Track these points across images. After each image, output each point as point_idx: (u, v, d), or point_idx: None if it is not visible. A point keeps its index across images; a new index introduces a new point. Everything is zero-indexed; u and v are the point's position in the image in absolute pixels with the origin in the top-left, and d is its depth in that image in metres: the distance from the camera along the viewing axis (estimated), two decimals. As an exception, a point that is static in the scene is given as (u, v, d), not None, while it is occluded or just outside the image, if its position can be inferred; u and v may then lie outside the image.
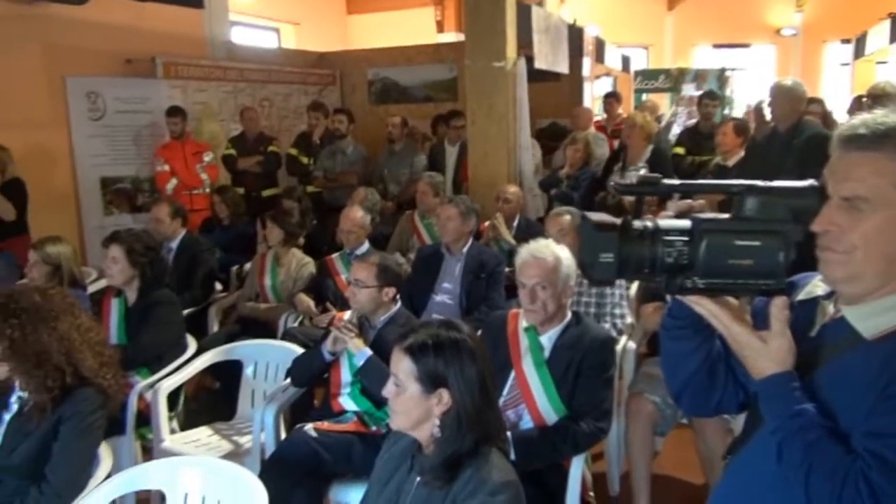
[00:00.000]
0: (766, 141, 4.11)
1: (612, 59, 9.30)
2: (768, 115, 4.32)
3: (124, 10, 5.65)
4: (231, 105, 6.53)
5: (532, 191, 5.27)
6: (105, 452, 2.10)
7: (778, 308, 1.17)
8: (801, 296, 1.29)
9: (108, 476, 2.03)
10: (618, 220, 1.18)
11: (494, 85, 5.11)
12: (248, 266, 4.67)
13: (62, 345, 1.98)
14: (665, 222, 1.18)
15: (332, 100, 7.69)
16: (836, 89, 13.38)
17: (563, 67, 6.38)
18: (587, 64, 7.37)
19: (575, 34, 7.05)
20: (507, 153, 5.14)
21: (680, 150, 5.78)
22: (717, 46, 14.85)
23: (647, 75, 12.28)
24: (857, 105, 5.08)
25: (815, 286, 1.28)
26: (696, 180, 1.23)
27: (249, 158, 5.93)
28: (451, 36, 10.45)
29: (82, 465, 1.99)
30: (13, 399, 2.05)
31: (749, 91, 14.90)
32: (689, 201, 1.33)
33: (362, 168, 5.81)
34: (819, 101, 5.84)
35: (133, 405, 2.82)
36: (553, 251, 2.43)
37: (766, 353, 1.18)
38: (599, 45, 8.29)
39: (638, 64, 13.73)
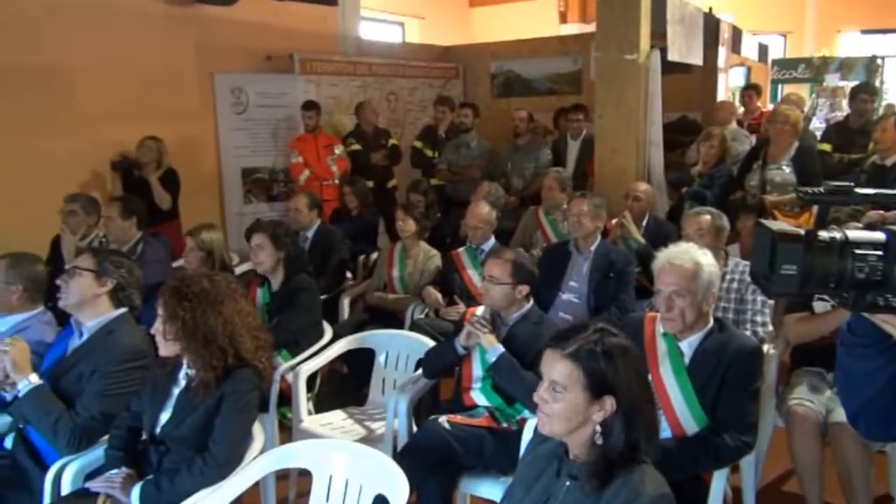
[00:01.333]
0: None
1: (749, 48, 8.82)
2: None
3: (265, 10, 5.98)
4: (360, 98, 6.76)
5: (661, 188, 5.11)
6: (258, 430, 2.25)
7: None
8: None
9: (262, 452, 2.18)
10: (802, 230, 1.13)
11: (625, 78, 5.00)
12: (374, 256, 4.85)
13: (226, 328, 2.14)
14: (856, 234, 1.11)
15: (456, 93, 7.78)
16: None
17: (697, 59, 6.12)
18: (722, 54, 7.01)
19: (711, 23, 6.74)
20: (637, 149, 5.02)
21: (826, 147, 5.40)
22: (865, 32, 13.71)
23: (785, 65, 11.59)
24: None
25: None
26: (886, 190, 1.15)
27: (378, 153, 6.11)
28: (574, 27, 10.31)
29: (240, 439, 2.15)
30: (181, 375, 2.24)
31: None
32: (881, 212, 1.24)
33: (486, 162, 5.86)
34: None
35: (276, 386, 3.00)
36: (693, 257, 2.34)
37: None
38: (736, 34, 7.88)
39: (775, 52, 12.94)
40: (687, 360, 2.36)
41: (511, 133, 6.04)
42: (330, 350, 3.21)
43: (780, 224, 1.18)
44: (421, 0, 10.56)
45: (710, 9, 9.61)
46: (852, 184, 1.13)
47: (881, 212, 1.28)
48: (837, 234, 1.11)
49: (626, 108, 5.02)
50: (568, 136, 5.98)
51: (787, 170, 4.45)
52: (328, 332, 3.38)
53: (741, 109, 7.12)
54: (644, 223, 4.33)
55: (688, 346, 2.37)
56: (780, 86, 12.39)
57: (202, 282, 2.18)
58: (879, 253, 1.08)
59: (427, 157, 6.09)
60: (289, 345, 3.24)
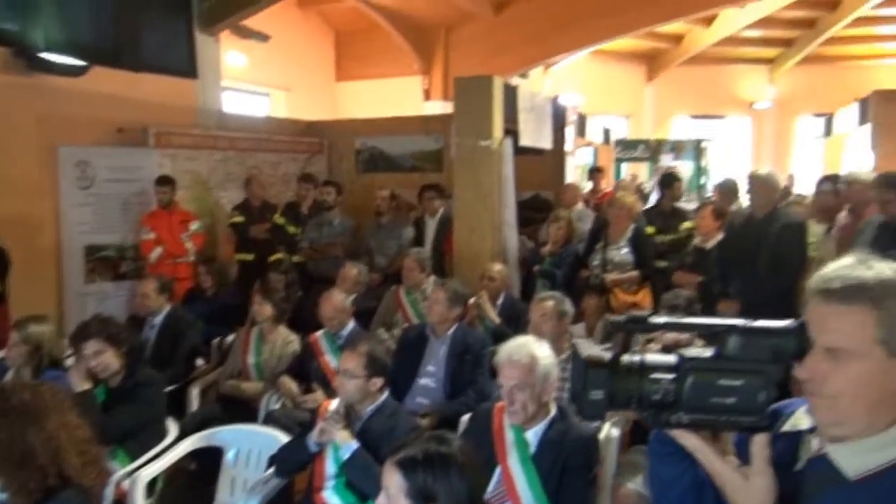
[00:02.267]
0: (742, 226, 4.25)
1: (594, 131, 9.58)
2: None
3: (117, 81, 5.75)
4: (220, 173, 6.60)
5: (516, 267, 5.35)
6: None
7: (759, 446, 1.21)
8: (786, 427, 1.33)
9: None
10: (607, 356, 1.22)
11: (481, 162, 5.25)
12: (230, 338, 4.65)
13: (48, 445, 1.96)
14: (652, 358, 1.23)
15: (320, 168, 7.80)
16: (808, 162, 13.84)
17: (546, 143, 6.55)
18: (569, 138, 7.56)
19: (558, 109, 7.26)
20: (492, 230, 5.24)
21: (651, 230, 5.93)
22: (694, 117, 15.36)
23: (627, 145, 12.61)
24: (825, 184, 5.27)
25: (800, 419, 1.31)
26: (682, 319, 1.28)
27: (261, 226, 5.99)
28: (438, 105, 10.72)
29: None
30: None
31: (725, 161, 15.41)
32: (675, 335, 1.38)
33: (349, 240, 5.87)
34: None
35: (110, 496, 2.76)
36: (529, 351, 2.44)
37: (747, 491, 1.21)
38: (581, 120, 8.54)
39: (619, 132, 14.13)
40: (532, 449, 2.44)
41: (375, 212, 6.12)
42: (173, 451, 3.01)
43: (589, 348, 1.28)
44: (288, 73, 10.61)
45: (558, 96, 10.40)
46: (648, 314, 1.24)
47: (675, 335, 1.41)
48: (637, 359, 1.22)
49: (483, 190, 5.25)
50: (426, 215, 6.14)
51: (625, 250, 4.82)
52: (173, 430, 3.18)
53: (588, 188, 7.68)
54: (499, 303, 4.49)
55: (533, 435, 2.46)
56: (622, 164, 13.52)
57: (23, 394, 1.99)
58: (671, 376, 1.20)
59: (289, 234, 6.02)
60: (127, 445, 3.01)
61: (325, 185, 6.07)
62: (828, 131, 9.16)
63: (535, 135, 6.23)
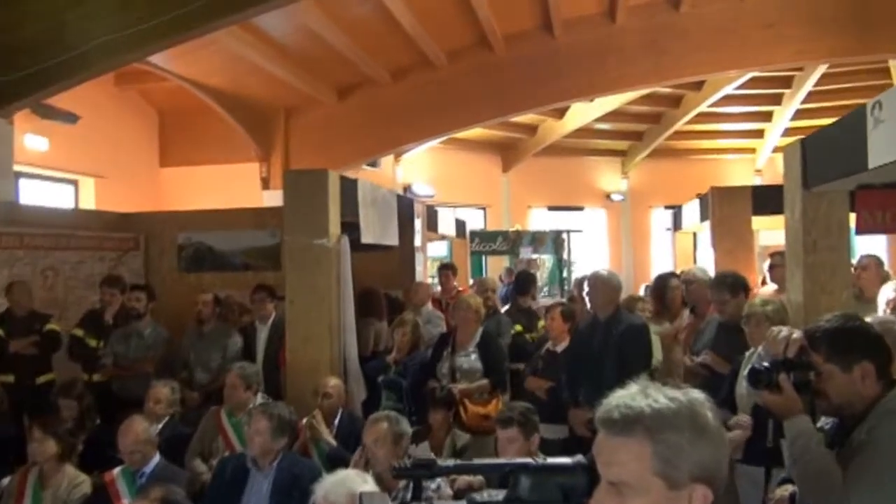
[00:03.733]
0: (588, 329, 4.52)
1: (446, 224, 9.93)
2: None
3: None
4: (4, 277, 6.11)
5: (357, 378, 5.30)
6: None
7: None
8: None
9: None
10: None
11: (316, 263, 5.25)
12: (5, 482, 4.19)
13: None
14: None
15: (135, 266, 7.44)
16: (662, 256, 15.10)
17: (392, 240, 6.69)
18: (418, 233, 7.79)
19: (405, 203, 7.49)
20: (330, 337, 5.19)
21: (519, 328, 6.17)
22: (552, 208, 16.38)
23: (485, 237, 13.14)
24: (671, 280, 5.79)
25: None
26: (471, 461, 1.34)
27: (22, 340, 5.51)
28: (278, 195, 10.68)
29: None
30: None
31: (586, 253, 16.47)
32: (468, 479, 1.43)
33: (162, 353, 5.59)
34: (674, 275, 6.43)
35: None
36: (349, 488, 2.38)
37: None
38: (431, 212, 8.85)
39: (475, 224, 14.75)
40: None
41: (195, 319, 5.90)
42: None
43: (380, 495, 1.30)
44: (100, 156, 10.17)
45: (405, 188, 10.80)
46: (434, 459, 1.29)
47: (468, 479, 1.46)
48: None
49: (318, 294, 5.23)
50: (257, 321, 6.00)
51: (474, 356, 4.94)
52: None
53: (438, 288, 7.87)
54: (336, 421, 4.40)
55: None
56: (483, 257, 14.06)
57: None
58: None
59: (89, 348, 5.62)
60: None
61: (133, 289, 5.80)
62: (677, 225, 10.07)
63: (379, 230, 6.37)
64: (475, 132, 13.90)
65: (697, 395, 1.35)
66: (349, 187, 5.75)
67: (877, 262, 5.80)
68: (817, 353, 2.20)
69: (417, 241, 7.83)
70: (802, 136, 4.83)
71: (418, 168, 14.12)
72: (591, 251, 16.58)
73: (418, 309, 6.44)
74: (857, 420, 2.15)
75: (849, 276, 5.02)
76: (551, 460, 1.30)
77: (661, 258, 15.19)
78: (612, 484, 1.27)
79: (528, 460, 1.29)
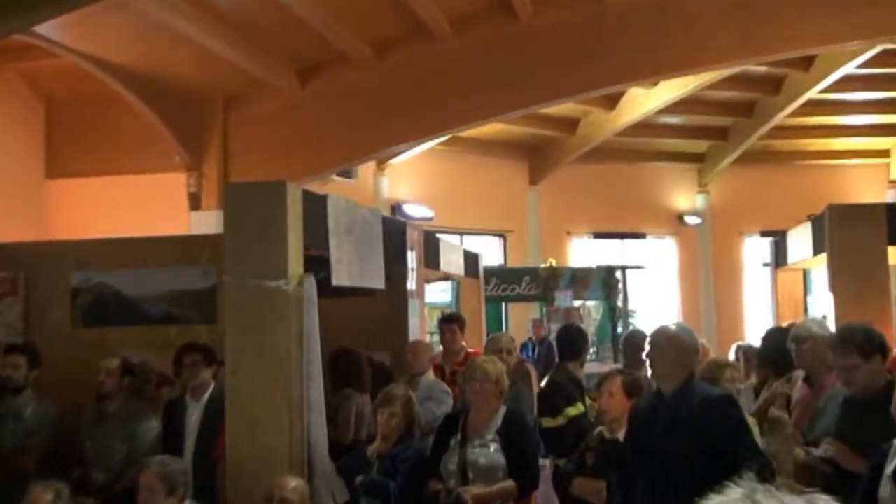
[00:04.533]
0: (648, 409, 4.49)
1: (451, 258, 9.93)
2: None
3: None
4: None
5: (328, 478, 5.27)
6: None
7: None
8: None
9: None
10: None
11: (269, 314, 5.24)
12: None
13: None
14: None
15: (11, 318, 7.46)
16: (759, 300, 15.07)
17: (376, 281, 6.70)
18: (412, 272, 7.80)
19: (395, 230, 7.51)
20: (290, 419, 5.17)
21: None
22: (600, 236, 16.45)
23: (505, 277, 13.20)
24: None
25: None
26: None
27: None
28: (214, 218, 10.70)
29: None
30: None
31: (647, 298, 16.49)
32: None
33: (48, 441, 5.59)
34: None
35: None
36: None
37: None
38: (431, 243, 8.85)
39: (492, 258, 14.79)
40: None
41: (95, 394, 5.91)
42: None
43: None
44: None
45: (393, 208, 10.79)
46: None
47: None
48: None
49: (272, 357, 5.20)
50: (187, 395, 5.99)
51: (494, 447, 4.91)
52: None
53: (439, 349, 7.86)
54: (298, 540, 4.37)
55: None
56: (502, 305, 14.08)
57: None
58: None
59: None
60: None
61: (8, 352, 5.81)
62: (779, 259, 10.06)
63: (358, 267, 6.38)
64: (491, 129, 14.03)
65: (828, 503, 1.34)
66: (316, 207, 5.77)
67: None
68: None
69: (412, 283, 7.83)
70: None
71: (411, 179, 14.23)
72: (656, 296, 16.62)
73: (414, 379, 6.41)
74: None
75: None
76: None
77: (758, 306, 15.20)
78: None
79: None
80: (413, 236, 7.99)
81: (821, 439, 4.60)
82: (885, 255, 7.28)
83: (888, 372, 4.54)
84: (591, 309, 13.52)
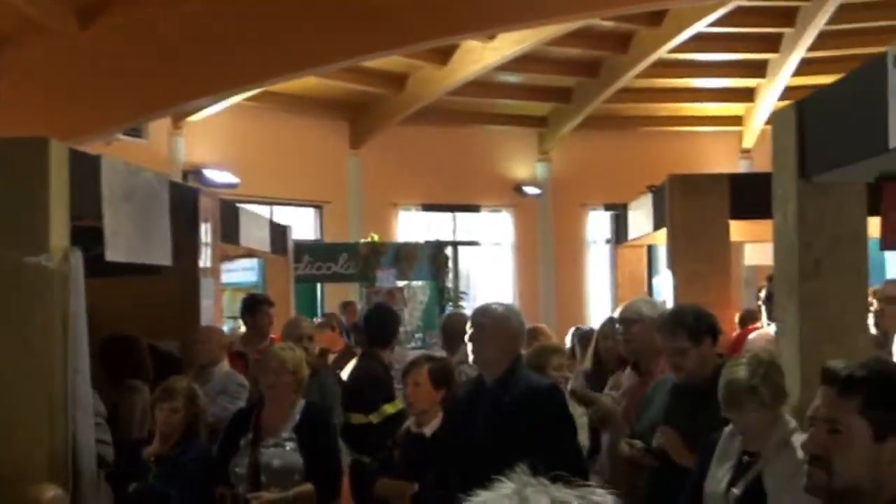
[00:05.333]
0: (468, 399, 4.56)
1: (255, 231, 9.80)
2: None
3: None
4: None
5: (95, 484, 5.15)
6: None
7: None
8: None
9: None
10: None
11: (28, 294, 5.07)
12: None
13: None
14: None
15: None
16: (603, 280, 15.50)
17: (160, 257, 6.56)
18: (207, 246, 7.66)
19: (186, 198, 7.35)
20: (51, 417, 5.02)
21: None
22: (429, 208, 16.51)
23: (320, 254, 13.09)
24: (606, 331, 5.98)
25: None
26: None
27: None
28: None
29: None
30: None
31: (482, 278, 16.71)
32: None
33: None
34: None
35: None
36: None
37: None
38: (229, 214, 8.70)
39: (305, 232, 14.67)
40: None
41: None
42: None
43: None
44: None
45: (187, 174, 10.56)
46: None
47: None
48: None
49: (31, 347, 5.04)
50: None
51: (290, 446, 4.92)
52: None
53: (241, 330, 7.78)
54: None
55: None
56: (318, 286, 13.99)
57: None
58: None
59: None
60: None
61: None
62: (620, 235, 10.40)
63: (139, 241, 6.24)
64: (307, 84, 13.88)
65: (601, 499, 1.38)
66: (86, 169, 5.59)
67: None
68: (847, 399, 2.33)
69: (205, 261, 7.70)
70: (801, 99, 5.11)
71: (213, 140, 13.95)
72: (491, 276, 16.84)
73: (205, 370, 6.35)
74: None
75: (865, 314, 5.33)
76: None
77: (601, 286, 15.61)
78: None
79: None
80: (207, 206, 7.83)
81: (647, 431, 4.78)
82: (727, 230, 7.60)
83: (719, 356, 4.76)
84: (416, 290, 13.51)
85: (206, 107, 12.79)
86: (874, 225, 5.42)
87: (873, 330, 5.69)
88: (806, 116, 4.88)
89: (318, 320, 10.44)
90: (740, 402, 3.93)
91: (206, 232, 7.71)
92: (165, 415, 5.21)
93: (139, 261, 6.29)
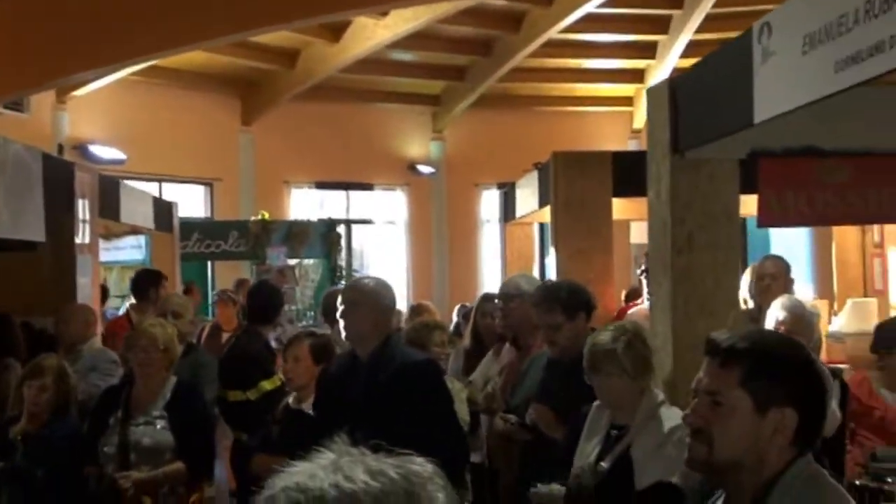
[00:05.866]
0: (340, 375, 4.52)
1: (137, 207, 9.60)
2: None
3: None
4: None
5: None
6: None
7: None
8: None
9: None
10: None
11: None
12: None
13: None
14: None
15: None
16: (495, 257, 15.59)
17: (32, 233, 6.42)
18: (83, 224, 7.48)
19: (61, 173, 7.19)
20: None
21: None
22: (322, 186, 16.38)
23: (209, 231, 12.92)
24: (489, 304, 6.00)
25: None
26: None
27: None
28: None
29: None
30: None
31: (376, 257, 16.66)
32: None
33: None
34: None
35: None
36: None
37: None
38: (109, 189, 8.51)
39: (195, 209, 14.47)
40: None
41: None
42: None
43: None
44: None
45: (62, 147, 10.28)
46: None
47: None
48: None
49: None
50: None
51: (160, 424, 4.83)
52: None
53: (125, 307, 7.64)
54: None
55: None
56: (208, 265, 13.79)
57: None
58: None
59: None
60: None
61: None
62: (508, 212, 10.45)
63: (10, 216, 6.11)
64: (197, 58, 13.59)
65: (421, 468, 1.36)
66: (-51, 141, 5.42)
67: (786, 268, 6.30)
68: (729, 370, 2.32)
69: (83, 237, 7.52)
70: (673, 76, 5.16)
71: (100, 115, 13.60)
72: (384, 254, 16.80)
73: (76, 348, 6.23)
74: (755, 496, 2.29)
75: (738, 289, 5.43)
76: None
77: (494, 264, 15.66)
78: None
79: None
80: (84, 181, 7.65)
81: (523, 405, 4.80)
82: (610, 207, 7.68)
83: (592, 331, 4.80)
84: (308, 268, 13.42)
85: (91, 81, 12.41)
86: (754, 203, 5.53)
87: (751, 304, 5.78)
88: (678, 93, 4.93)
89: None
90: (601, 366, 3.97)
91: (83, 208, 7.53)
92: (34, 393, 5.07)
93: (10, 236, 6.16)
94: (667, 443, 3.87)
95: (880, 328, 5.83)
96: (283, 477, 1.32)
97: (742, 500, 2.31)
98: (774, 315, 4.72)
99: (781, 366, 2.33)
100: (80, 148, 13.04)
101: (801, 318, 4.84)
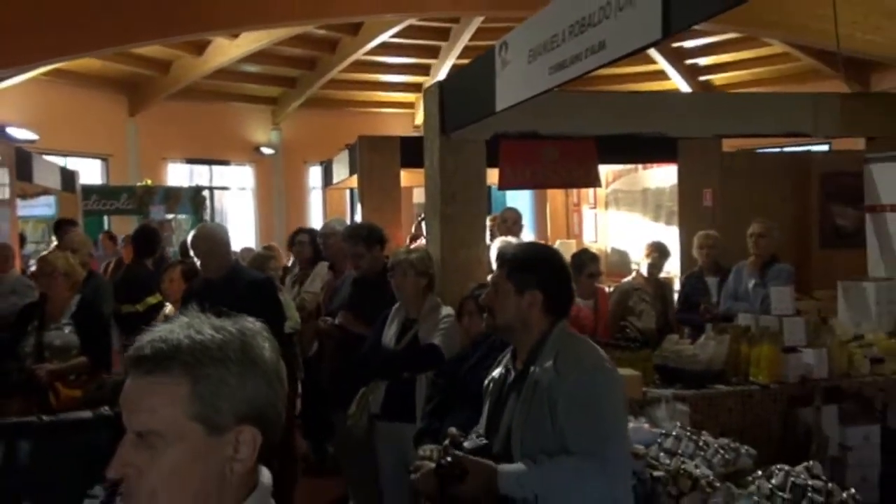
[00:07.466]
0: (199, 290, 4.40)
1: (47, 174, 8.96)
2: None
3: None
4: None
5: None
6: None
7: None
8: None
9: None
10: None
11: None
12: None
13: None
14: None
15: None
16: (317, 215, 15.43)
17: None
18: (4, 184, 6.92)
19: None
20: None
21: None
22: (191, 161, 15.76)
23: (105, 193, 12.27)
24: (301, 235, 5.98)
25: None
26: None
27: None
28: None
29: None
30: None
31: (232, 214, 16.22)
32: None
33: None
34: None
35: None
36: None
37: None
38: (23, 159, 7.89)
39: (94, 178, 13.66)
40: None
41: None
42: None
43: None
44: None
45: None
46: None
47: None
48: None
49: None
50: None
51: (68, 329, 4.57)
52: None
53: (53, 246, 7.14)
54: None
55: None
56: (104, 219, 13.04)
57: None
58: None
59: None
60: None
61: None
62: (328, 180, 10.31)
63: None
64: (91, 64, 12.75)
65: (252, 324, 1.32)
66: None
67: (518, 216, 6.54)
68: (501, 268, 2.56)
69: (4, 195, 6.98)
70: (442, 79, 5.18)
71: (18, 104, 12.48)
72: (238, 212, 16.40)
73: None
74: (530, 353, 2.47)
75: (484, 230, 5.55)
76: (64, 416, 1.16)
77: (318, 219, 15.50)
78: (140, 435, 1.18)
79: (32, 419, 1.13)
80: (4, 152, 7.08)
81: (336, 310, 4.80)
82: (398, 176, 7.71)
83: (385, 258, 4.82)
84: (181, 222, 12.89)
85: (10, 77, 11.37)
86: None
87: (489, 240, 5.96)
88: (445, 91, 4.96)
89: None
90: (403, 271, 4.06)
91: (3, 173, 6.98)
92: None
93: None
94: (440, 324, 3.99)
95: (574, 257, 6.08)
96: (149, 333, 1.25)
97: (524, 351, 2.52)
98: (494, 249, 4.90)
99: (531, 263, 2.55)
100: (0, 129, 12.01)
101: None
